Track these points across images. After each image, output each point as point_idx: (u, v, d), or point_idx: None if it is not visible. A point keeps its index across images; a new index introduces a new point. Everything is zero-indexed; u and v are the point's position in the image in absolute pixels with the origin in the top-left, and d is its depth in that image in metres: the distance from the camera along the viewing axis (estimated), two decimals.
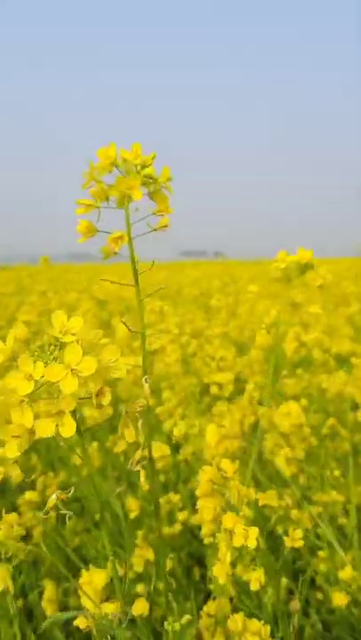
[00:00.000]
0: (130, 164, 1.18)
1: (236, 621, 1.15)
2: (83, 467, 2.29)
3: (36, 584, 1.96)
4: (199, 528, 2.15)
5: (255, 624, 1.15)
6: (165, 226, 1.21)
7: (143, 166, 1.19)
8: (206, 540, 1.84)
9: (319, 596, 1.92)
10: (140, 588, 1.76)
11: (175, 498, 2.10)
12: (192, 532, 2.21)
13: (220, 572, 1.11)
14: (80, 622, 1.05)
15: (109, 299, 5.80)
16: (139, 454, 1.08)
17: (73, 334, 0.83)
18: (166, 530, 2.04)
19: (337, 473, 2.16)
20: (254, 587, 1.14)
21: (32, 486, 2.19)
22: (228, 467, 1.18)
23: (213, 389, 2.52)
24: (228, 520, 1.10)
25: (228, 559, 1.09)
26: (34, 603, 1.90)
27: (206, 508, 1.14)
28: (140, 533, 1.81)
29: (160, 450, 2.03)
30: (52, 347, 0.84)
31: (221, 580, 1.10)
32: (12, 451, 0.81)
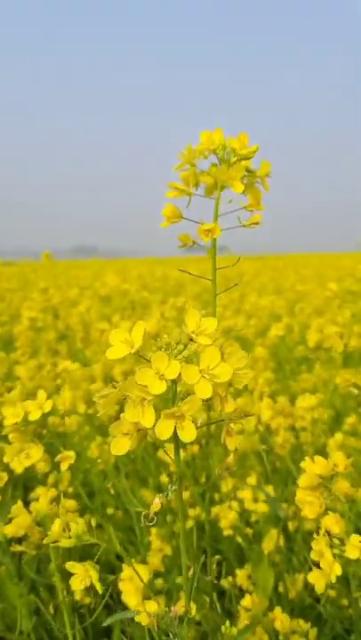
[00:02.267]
0: (232, 152, 1.11)
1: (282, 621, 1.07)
2: (97, 462, 2.27)
3: (45, 581, 1.95)
4: (211, 525, 2.14)
5: (302, 623, 1.08)
6: (257, 223, 1.16)
7: (245, 158, 1.12)
8: (226, 532, 1.81)
9: None
10: (158, 583, 1.75)
11: (185, 495, 2.09)
12: (203, 529, 2.20)
13: (320, 581, 0.97)
14: (142, 619, 0.99)
15: (112, 295, 5.78)
16: (231, 459, 1.05)
17: (207, 335, 0.78)
18: (177, 527, 2.03)
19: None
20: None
21: (42, 482, 2.18)
22: (341, 460, 1.03)
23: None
24: (333, 522, 0.95)
25: (337, 572, 0.93)
26: (45, 599, 1.90)
27: (310, 504, 0.99)
28: (153, 530, 1.80)
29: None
30: (181, 345, 0.79)
31: (320, 590, 0.97)
32: (121, 448, 0.78)
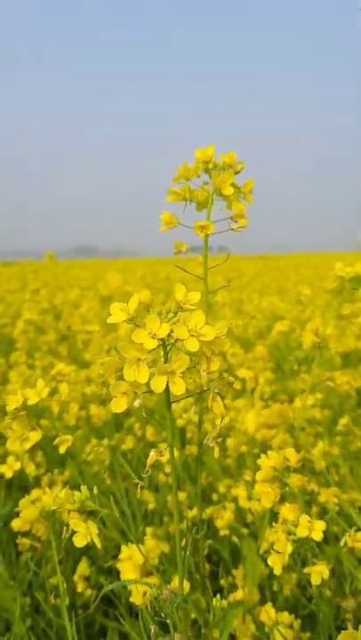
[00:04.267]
0: (223, 166, 1.29)
1: (268, 612, 1.15)
2: (91, 464, 2.28)
3: (42, 581, 1.96)
4: (207, 526, 2.15)
5: (286, 616, 1.15)
6: (244, 227, 1.31)
7: (235, 172, 1.30)
8: (222, 532, 1.83)
9: None
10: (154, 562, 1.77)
11: (182, 495, 2.10)
12: (201, 526, 2.21)
13: (276, 562, 1.10)
14: (136, 598, 1.07)
15: (114, 295, 5.79)
16: (217, 431, 1.12)
17: (193, 305, 0.92)
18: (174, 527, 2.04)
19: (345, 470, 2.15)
20: (316, 580, 1.13)
21: (36, 484, 2.19)
22: (293, 456, 1.17)
23: (237, 385, 2.56)
24: (289, 510, 1.08)
25: (289, 550, 1.08)
26: (40, 599, 1.91)
27: (266, 495, 1.13)
28: (148, 530, 1.81)
29: None
30: (171, 313, 0.92)
31: (277, 572, 1.10)
32: (121, 406, 0.88)
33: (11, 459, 1.63)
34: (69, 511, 1.15)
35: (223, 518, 1.98)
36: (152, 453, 1.00)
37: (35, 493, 2.14)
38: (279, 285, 9.12)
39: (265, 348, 3.31)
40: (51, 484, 2.23)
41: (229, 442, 2.29)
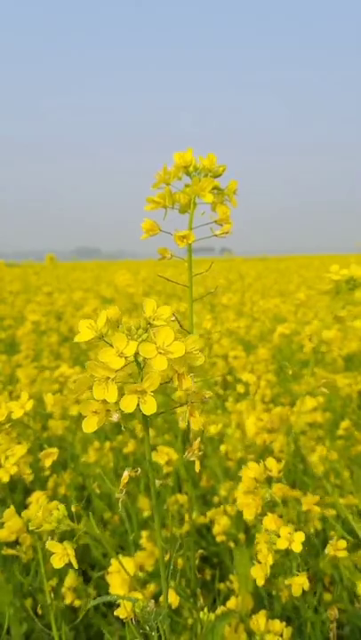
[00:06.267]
0: (203, 170, 1.25)
1: (258, 621, 1.15)
2: (94, 466, 2.29)
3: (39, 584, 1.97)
4: (207, 529, 2.15)
5: (277, 624, 1.15)
6: (227, 232, 1.26)
7: (215, 175, 1.26)
8: (219, 539, 1.82)
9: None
10: (151, 587, 1.77)
11: (183, 499, 2.09)
12: (200, 533, 2.21)
13: (258, 573, 1.10)
14: (121, 612, 1.06)
15: (116, 297, 5.79)
16: (197, 444, 1.10)
17: (163, 320, 0.89)
18: (175, 530, 2.03)
19: (347, 474, 2.14)
20: (297, 592, 1.12)
21: (40, 486, 2.19)
22: (274, 466, 1.17)
23: (239, 388, 2.56)
24: (271, 521, 1.08)
25: (270, 561, 1.08)
26: (28, 606, 1.91)
27: (247, 506, 1.12)
28: (144, 533, 1.81)
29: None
30: (141, 330, 0.89)
31: (260, 582, 1.10)
32: (91, 426, 0.86)
33: (8, 462, 1.63)
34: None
35: (220, 524, 1.98)
36: (125, 473, 0.97)
37: (36, 495, 2.14)
38: (281, 287, 9.12)
39: (268, 350, 3.31)
40: (56, 487, 2.24)
41: (227, 447, 2.28)
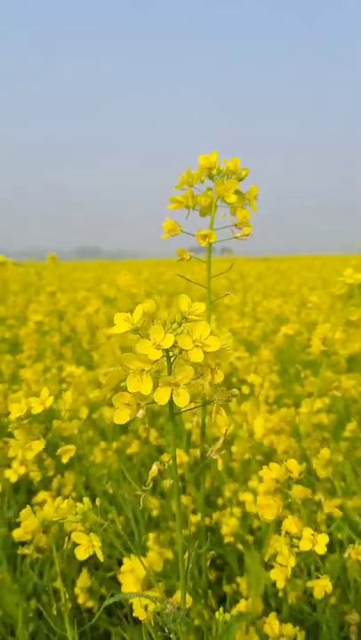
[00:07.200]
0: (226, 172, 1.28)
1: (271, 624, 1.14)
2: (100, 467, 2.28)
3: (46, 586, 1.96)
4: (211, 530, 2.14)
5: (289, 627, 1.14)
6: (248, 235, 1.29)
7: (239, 178, 1.29)
8: (227, 540, 1.80)
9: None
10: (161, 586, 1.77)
11: (187, 500, 2.09)
12: (205, 534, 2.19)
13: (279, 576, 1.09)
14: (139, 613, 1.06)
15: (118, 297, 5.79)
16: (220, 444, 1.10)
17: (197, 315, 0.91)
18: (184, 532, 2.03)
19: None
20: (319, 594, 1.11)
21: (45, 487, 2.19)
22: (295, 467, 1.15)
23: (245, 389, 2.56)
24: (292, 523, 1.07)
25: (292, 563, 1.07)
26: (41, 605, 1.91)
27: (268, 507, 1.10)
28: (151, 535, 1.81)
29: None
30: (175, 324, 0.91)
31: (280, 585, 1.09)
32: (123, 418, 0.87)
33: (15, 463, 1.63)
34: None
35: (228, 525, 1.97)
36: (154, 466, 0.98)
37: (41, 496, 2.14)
38: (283, 288, 9.11)
39: (271, 351, 3.30)
40: (60, 488, 2.23)
41: (234, 448, 2.28)
